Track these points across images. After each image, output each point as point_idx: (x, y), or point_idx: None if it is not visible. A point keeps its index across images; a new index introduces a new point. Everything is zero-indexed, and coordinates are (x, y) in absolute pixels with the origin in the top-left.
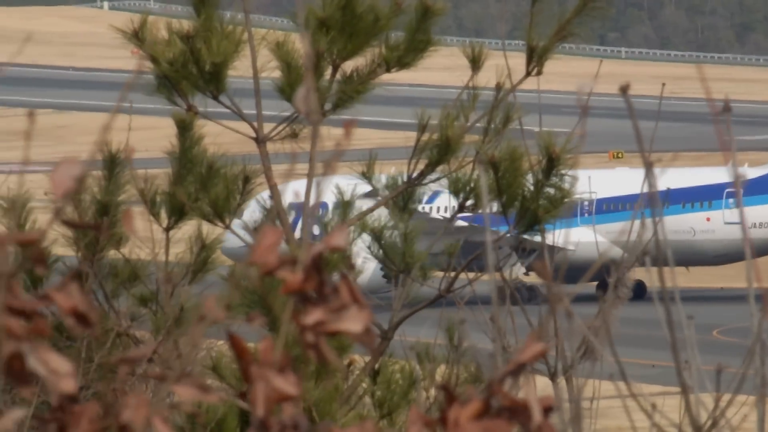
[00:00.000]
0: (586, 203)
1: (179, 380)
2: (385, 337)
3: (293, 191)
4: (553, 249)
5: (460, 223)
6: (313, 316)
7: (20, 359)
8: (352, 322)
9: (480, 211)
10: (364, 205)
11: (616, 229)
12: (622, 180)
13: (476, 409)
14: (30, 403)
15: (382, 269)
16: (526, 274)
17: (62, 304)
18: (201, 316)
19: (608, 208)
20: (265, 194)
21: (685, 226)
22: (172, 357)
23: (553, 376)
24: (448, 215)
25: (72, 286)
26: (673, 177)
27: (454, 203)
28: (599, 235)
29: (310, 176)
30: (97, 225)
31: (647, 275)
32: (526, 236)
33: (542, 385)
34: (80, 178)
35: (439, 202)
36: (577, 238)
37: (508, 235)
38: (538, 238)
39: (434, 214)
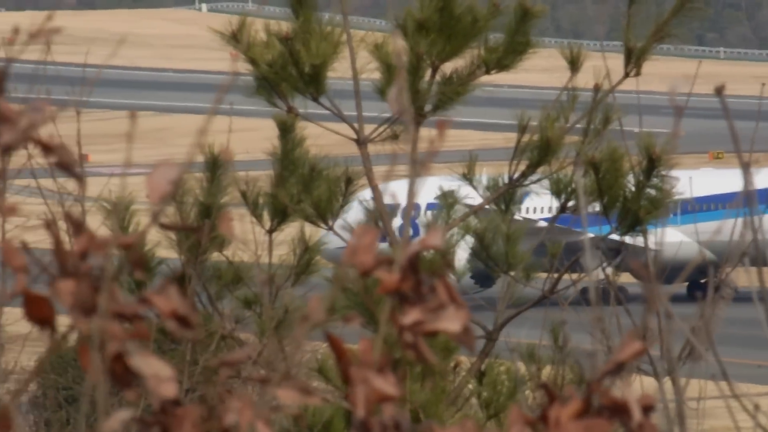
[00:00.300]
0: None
1: (281, 383)
2: (490, 338)
3: (389, 192)
4: (643, 249)
5: (542, 224)
6: (411, 316)
7: (122, 362)
8: (451, 322)
9: (576, 211)
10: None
11: (705, 229)
12: (710, 180)
13: (577, 408)
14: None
15: (469, 270)
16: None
17: (162, 307)
18: (304, 318)
19: (696, 208)
20: (366, 194)
21: None
22: (276, 359)
23: (657, 376)
24: (536, 216)
25: (172, 289)
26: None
27: (542, 204)
28: (685, 236)
29: (409, 177)
30: (195, 227)
31: (743, 274)
32: (611, 237)
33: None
34: (177, 182)
35: (528, 203)
36: (665, 239)
37: (593, 235)
38: (628, 239)
39: (524, 215)
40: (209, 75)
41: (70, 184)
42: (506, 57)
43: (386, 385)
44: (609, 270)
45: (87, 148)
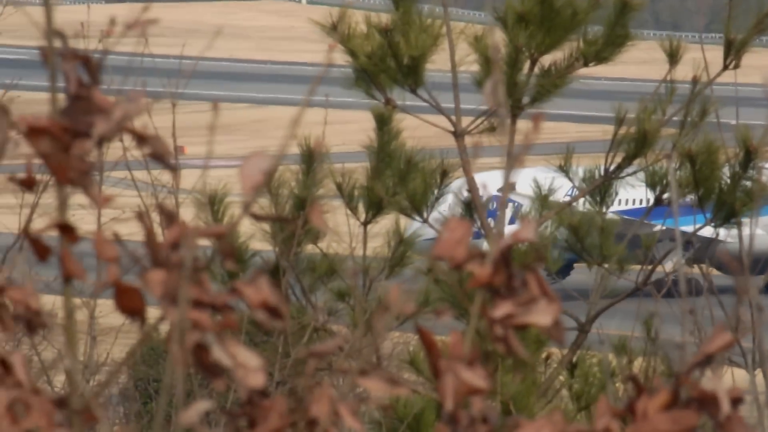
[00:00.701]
0: None
1: (368, 374)
2: (582, 330)
3: (481, 184)
4: (714, 241)
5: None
6: (502, 309)
7: (208, 352)
8: (541, 315)
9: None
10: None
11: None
12: None
13: (664, 400)
14: (224, 396)
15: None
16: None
17: (252, 298)
18: (384, 308)
19: None
20: (456, 185)
21: None
22: (363, 351)
23: (748, 368)
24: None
25: (262, 280)
26: None
27: (636, 196)
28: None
29: (504, 169)
30: (287, 218)
31: None
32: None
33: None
34: (270, 172)
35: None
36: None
37: (664, 227)
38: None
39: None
40: (306, 67)
41: (165, 176)
42: (605, 49)
43: (475, 378)
44: (690, 262)
45: (183, 140)
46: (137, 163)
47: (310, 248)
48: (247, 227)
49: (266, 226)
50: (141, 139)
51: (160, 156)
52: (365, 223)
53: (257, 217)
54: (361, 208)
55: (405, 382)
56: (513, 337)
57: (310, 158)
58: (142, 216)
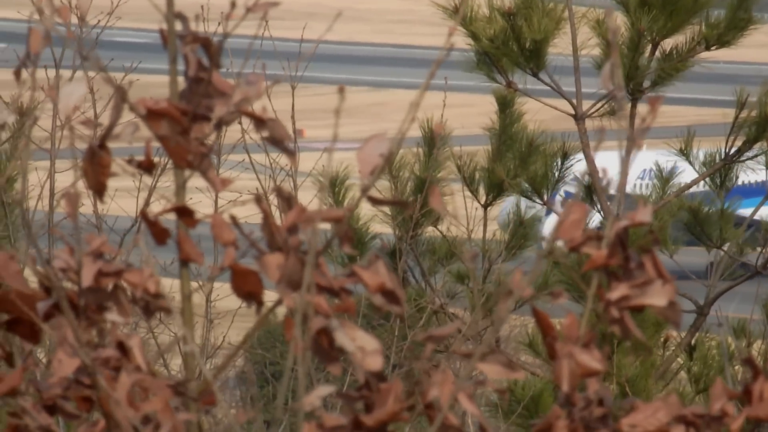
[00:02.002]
0: None
1: (486, 358)
2: (700, 313)
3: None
4: None
5: None
6: (618, 291)
7: (327, 336)
8: (657, 297)
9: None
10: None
11: None
12: None
13: None
14: (341, 381)
15: None
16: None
17: (369, 282)
18: (508, 292)
19: None
20: (580, 169)
21: None
22: (483, 335)
23: None
24: None
25: (379, 264)
26: None
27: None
28: None
29: (626, 153)
30: (404, 202)
31: None
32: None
33: None
34: (388, 155)
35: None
36: None
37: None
38: None
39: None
40: (426, 50)
41: (283, 159)
42: (727, 33)
43: (591, 360)
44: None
45: (302, 123)
46: (255, 146)
47: (429, 231)
48: (367, 210)
49: (386, 209)
50: (259, 122)
51: (278, 140)
52: (485, 206)
53: (375, 201)
54: (481, 190)
55: (522, 365)
56: (629, 318)
57: (431, 141)
58: (260, 199)
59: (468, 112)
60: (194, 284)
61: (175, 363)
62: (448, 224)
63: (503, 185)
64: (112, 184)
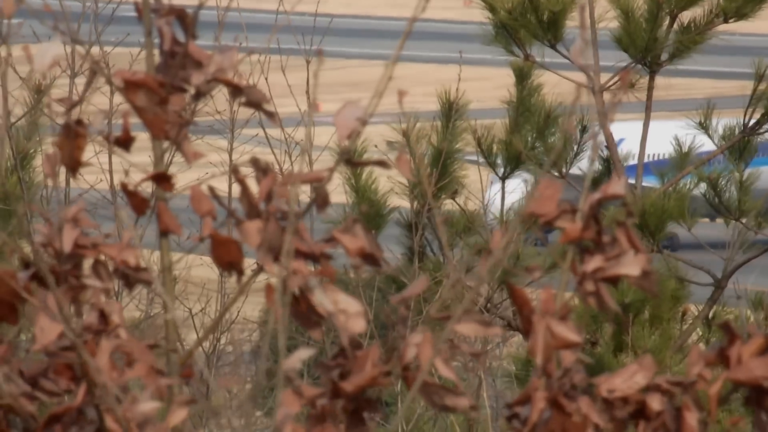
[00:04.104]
0: None
1: (460, 319)
2: (718, 286)
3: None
4: None
5: None
6: (592, 263)
7: (306, 301)
8: (630, 267)
9: None
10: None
11: None
12: None
13: (759, 346)
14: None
15: None
16: None
17: (348, 246)
18: (486, 253)
19: None
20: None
21: None
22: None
23: None
24: None
25: (357, 227)
26: None
27: None
28: None
29: (644, 126)
30: (383, 162)
31: None
32: None
33: None
34: (363, 120)
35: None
36: None
37: None
38: None
39: None
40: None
41: (298, 134)
42: (746, 5)
43: (567, 332)
44: None
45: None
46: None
47: (448, 204)
48: (384, 183)
49: (404, 181)
50: (236, 90)
51: (257, 103)
52: (503, 178)
53: (353, 163)
54: (499, 162)
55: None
56: (605, 290)
57: (449, 112)
58: (236, 170)
59: (484, 86)
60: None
61: (191, 338)
62: (464, 197)
63: (521, 157)
64: (130, 159)
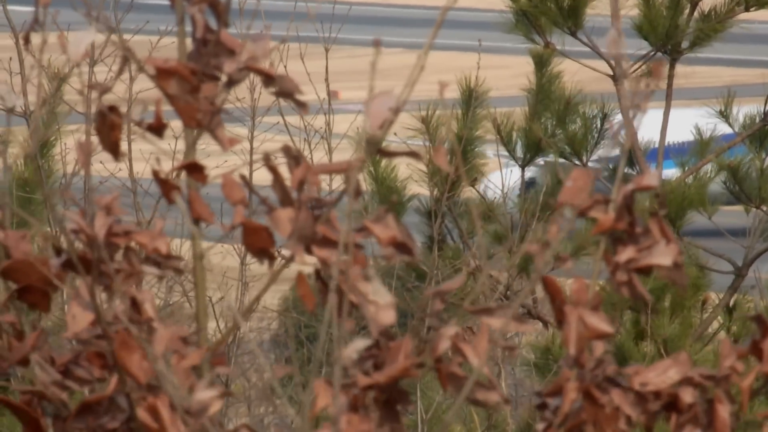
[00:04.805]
0: None
1: (493, 312)
2: (738, 274)
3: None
4: None
5: None
6: (625, 253)
7: (339, 291)
8: (662, 257)
9: None
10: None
11: None
12: None
13: None
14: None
15: None
16: None
17: (380, 235)
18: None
19: None
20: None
21: None
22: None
23: None
24: None
25: (389, 218)
26: None
27: None
28: None
29: (665, 114)
30: (416, 153)
31: None
32: None
33: None
34: (397, 110)
35: None
36: None
37: None
38: None
39: None
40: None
41: (318, 122)
42: None
43: (600, 322)
44: None
45: (336, 84)
46: (290, 108)
47: (468, 192)
48: (404, 170)
49: (424, 168)
50: (269, 78)
51: (289, 93)
52: (523, 166)
53: (385, 153)
54: (518, 150)
55: (543, 321)
56: (637, 280)
57: (469, 99)
58: (267, 158)
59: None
60: (217, 245)
61: (211, 326)
62: (484, 185)
63: (540, 144)
64: (148, 147)
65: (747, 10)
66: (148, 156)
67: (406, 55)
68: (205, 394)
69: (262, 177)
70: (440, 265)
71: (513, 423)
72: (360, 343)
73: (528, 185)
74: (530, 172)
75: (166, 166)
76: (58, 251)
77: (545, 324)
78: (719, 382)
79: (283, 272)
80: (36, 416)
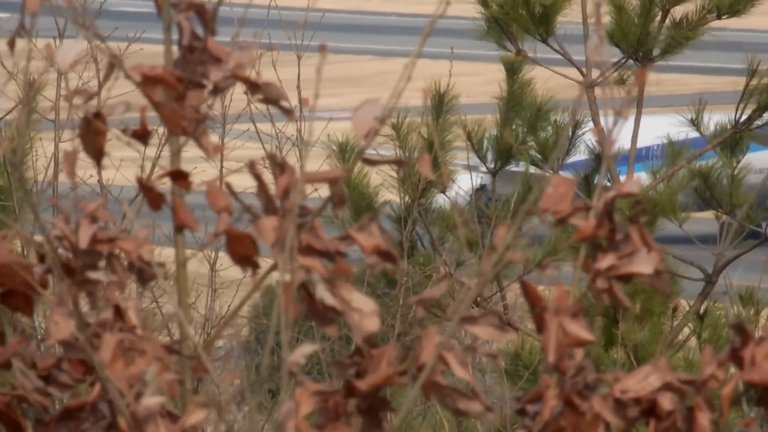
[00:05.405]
0: None
1: (475, 320)
2: (709, 281)
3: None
4: None
5: None
6: (606, 261)
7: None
8: (643, 265)
9: None
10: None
11: None
12: None
13: None
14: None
15: None
16: None
17: (364, 244)
18: (491, 248)
19: None
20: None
21: None
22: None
23: None
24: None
25: (374, 226)
26: None
27: None
28: None
29: (636, 121)
30: (400, 161)
31: None
32: None
33: None
34: (381, 119)
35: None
36: None
37: None
38: None
39: None
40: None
41: (289, 129)
42: (739, 2)
43: (580, 329)
44: None
45: (308, 92)
46: (261, 115)
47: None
48: (375, 177)
49: (395, 174)
50: (254, 86)
51: (274, 100)
52: (494, 173)
53: (370, 162)
54: (489, 157)
55: (530, 332)
56: (618, 288)
57: (439, 105)
58: (252, 165)
59: (474, 81)
60: (198, 253)
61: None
62: (455, 192)
63: (511, 151)
64: (117, 154)
65: (719, 17)
66: (117, 163)
67: (377, 63)
68: (150, 400)
69: (237, 184)
70: (410, 272)
71: (483, 430)
72: (307, 348)
73: (478, 191)
74: (480, 178)
75: (137, 173)
76: (41, 258)
77: (516, 330)
78: (699, 388)
79: (251, 279)
80: (16, 418)
